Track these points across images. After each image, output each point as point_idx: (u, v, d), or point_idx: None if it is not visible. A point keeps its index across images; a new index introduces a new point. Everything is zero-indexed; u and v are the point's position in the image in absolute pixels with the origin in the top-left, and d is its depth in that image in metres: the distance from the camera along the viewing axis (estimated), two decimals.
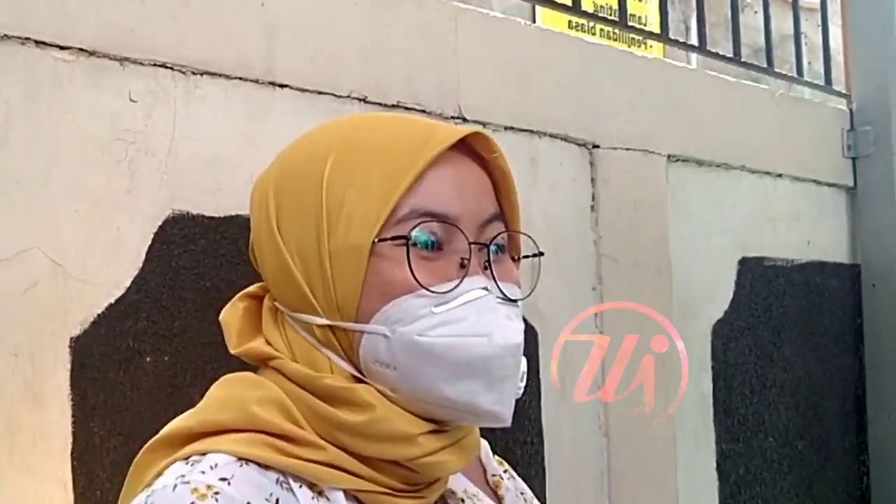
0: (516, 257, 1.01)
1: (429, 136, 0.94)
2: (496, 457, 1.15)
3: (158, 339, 1.30)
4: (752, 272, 2.42)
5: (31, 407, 1.18)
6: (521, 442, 1.78)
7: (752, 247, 2.43)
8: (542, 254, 1.03)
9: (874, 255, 2.75)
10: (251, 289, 1.03)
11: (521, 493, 1.13)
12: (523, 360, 0.96)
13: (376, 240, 0.90)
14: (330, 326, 0.93)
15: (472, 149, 0.97)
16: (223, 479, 0.85)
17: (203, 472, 0.86)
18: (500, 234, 0.96)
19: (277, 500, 0.87)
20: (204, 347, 1.34)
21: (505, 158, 0.99)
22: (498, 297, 0.94)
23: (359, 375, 0.93)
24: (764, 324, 2.43)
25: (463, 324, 0.91)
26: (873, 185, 2.75)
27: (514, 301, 0.96)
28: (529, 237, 1.02)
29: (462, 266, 0.93)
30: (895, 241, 2.71)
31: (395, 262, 0.91)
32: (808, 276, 2.60)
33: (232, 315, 1.01)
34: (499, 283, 0.94)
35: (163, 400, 1.30)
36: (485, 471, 1.12)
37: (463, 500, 1.00)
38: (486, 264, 0.94)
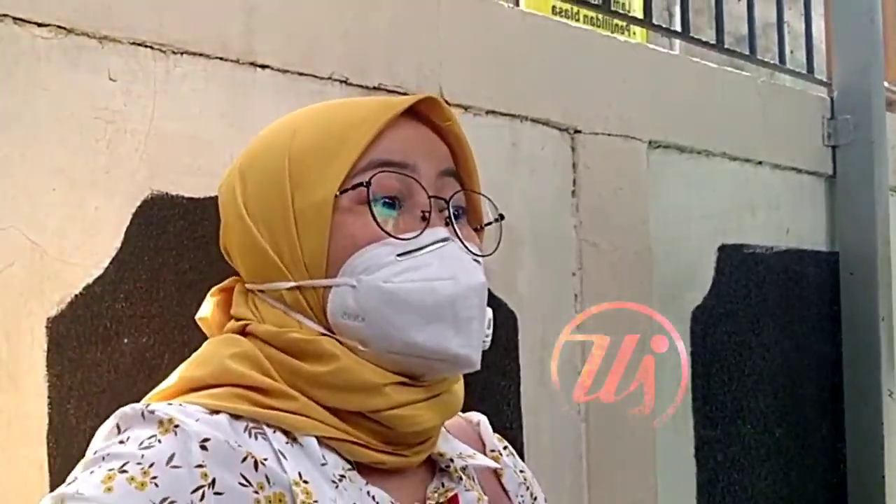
0: (479, 227, 1.04)
1: (386, 104, 0.98)
2: (496, 434, 1.15)
3: (136, 321, 1.29)
4: (732, 259, 2.42)
5: (6, 388, 1.17)
6: (499, 426, 1.77)
7: (731, 233, 2.44)
8: (502, 217, 1.05)
9: (852, 244, 2.76)
10: (222, 284, 1.06)
11: (521, 472, 1.14)
12: (489, 309, 0.98)
13: (338, 192, 0.93)
14: (298, 287, 0.95)
15: (428, 119, 1.00)
16: (189, 416, 0.88)
17: (170, 405, 0.89)
18: (457, 191, 0.99)
19: (240, 446, 0.89)
20: (182, 329, 1.33)
21: (459, 125, 1.02)
22: (460, 247, 0.96)
23: (328, 334, 0.95)
24: (743, 310, 2.44)
25: (428, 269, 0.93)
26: (852, 173, 2.75)
27: (476, 256, 0.98)
28: (488, 199, 1.05)
29: (423, 219, 0.95)
30: (873, 230, 2.72)
31: (358, 215, 0.93)
32: (786, 263, 2.61)
33: (207, 311, 1.05)
34: (462, 239, 0.97)
35: (140, 381, 1.29)
36: (484, 446, 1.13)
37: (452, 460, 1.01)
38: (448, 221, 0.97)
